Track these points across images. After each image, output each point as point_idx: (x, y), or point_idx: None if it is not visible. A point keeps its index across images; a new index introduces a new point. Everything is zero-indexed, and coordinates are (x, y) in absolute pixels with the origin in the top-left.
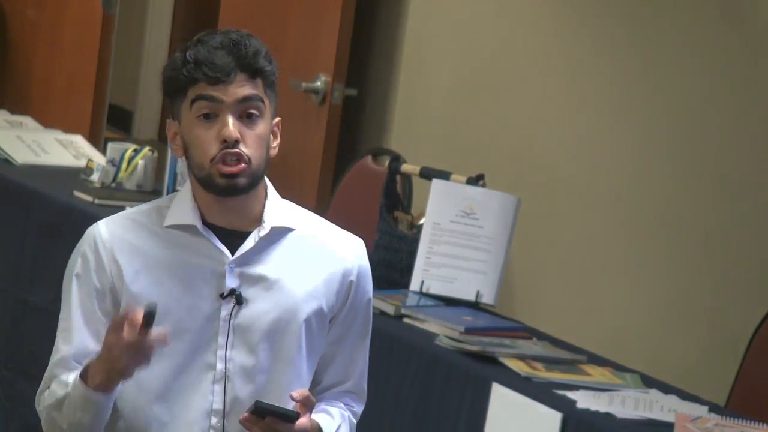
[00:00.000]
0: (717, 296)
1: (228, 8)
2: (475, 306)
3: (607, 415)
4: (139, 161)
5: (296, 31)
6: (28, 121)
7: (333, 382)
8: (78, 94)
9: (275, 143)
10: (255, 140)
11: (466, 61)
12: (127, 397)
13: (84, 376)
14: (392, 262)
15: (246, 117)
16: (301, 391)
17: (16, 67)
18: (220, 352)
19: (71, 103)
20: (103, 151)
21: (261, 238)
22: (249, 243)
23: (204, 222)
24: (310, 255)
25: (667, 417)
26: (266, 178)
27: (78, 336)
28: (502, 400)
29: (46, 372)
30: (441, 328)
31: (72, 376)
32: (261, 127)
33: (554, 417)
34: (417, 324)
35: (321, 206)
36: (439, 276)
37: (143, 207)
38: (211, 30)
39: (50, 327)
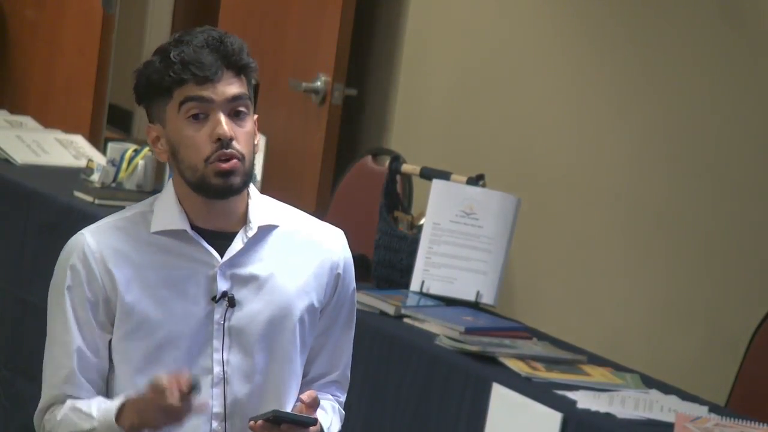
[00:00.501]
0: (717, 296)
1: (228, 8)
2: (475, 306)
3: (607, 415)
4: (139, 161)
5: (296, 31)
6: (28, 121)
7: (320, 373)
8: (78, 94)
9: (257, 140)
10: (245, 138)
11: (466, 61)
12: None
13: (117, 414)
14: (392, 262)
15: (235, 115)
16: (309, 392)
17: (16, 67)
18: (217, 356)
19: (71, 103)
20: (103, 151)
21: (249, 239)
22: (237, 244)
23: (191, 226)
24: (297, 250)
25: (667, 417)
26: None
27: (79, 349)
28: (502, 400)
29: (47, 388)
30: (441, 328)
31: (94, 408)
32: (249, 124)
33: (554, 417)
34: (417, 324)
35: (321, 206)
36: (439, 276)
37: (126, 213)
38: (186, 30)
39: None
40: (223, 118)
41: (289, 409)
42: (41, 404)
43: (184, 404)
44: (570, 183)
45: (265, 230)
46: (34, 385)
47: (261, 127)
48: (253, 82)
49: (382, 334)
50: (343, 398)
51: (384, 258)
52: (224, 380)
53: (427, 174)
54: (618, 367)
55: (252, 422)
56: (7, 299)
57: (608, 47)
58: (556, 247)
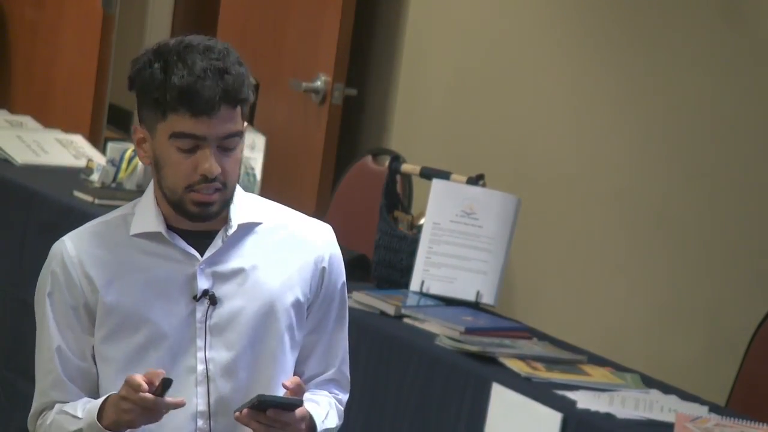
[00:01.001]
0: (717, 296)
1: (228, 8)
2: (475, 306)
3: (607, 415)
4: (139, 161)
5: (296, 31)
6: (28, 121)
7: (315, 372)
8: (78, 94)
9: (243, 143)
10: (232, 165)
11: (466, 61)
12: None
13: (99, 412)
14: (392, 262)
15: (225, 146)
16: (293, 378)
17: (16, 67)
18: (200, 354)
19: (71, 103)
20: (103, 151)
21: (228, 237)
22: (217, 243)
23: (170, 226)
24: (280, 245)
25: (667, 417)
26: None
27: (63, 354)
28: (502, 400)
29: (37, 394)
30: (441, 328)
31: (80, 409)
32: (238, 151)
33: (554, 417)
34: (417, 324)
35: (321, 206)
36: (439, 276)
37: (108, 217)
38: (188, 42)
39: None
40: (212, 154)
41: None
42: (33, 409)
43: (159, 400)
44: (570, 183)
45: (247, 228)
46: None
47: (261, 127)
48: (253, 82)
49: (382, 334)
50: (342, 396)
51: (384, 258)
52: (207, 378)
53: (427, 174)
54: (618, 367)
55: (237, 413)
56: (7, 299)
57: (608, 47)
58: (556, 247)
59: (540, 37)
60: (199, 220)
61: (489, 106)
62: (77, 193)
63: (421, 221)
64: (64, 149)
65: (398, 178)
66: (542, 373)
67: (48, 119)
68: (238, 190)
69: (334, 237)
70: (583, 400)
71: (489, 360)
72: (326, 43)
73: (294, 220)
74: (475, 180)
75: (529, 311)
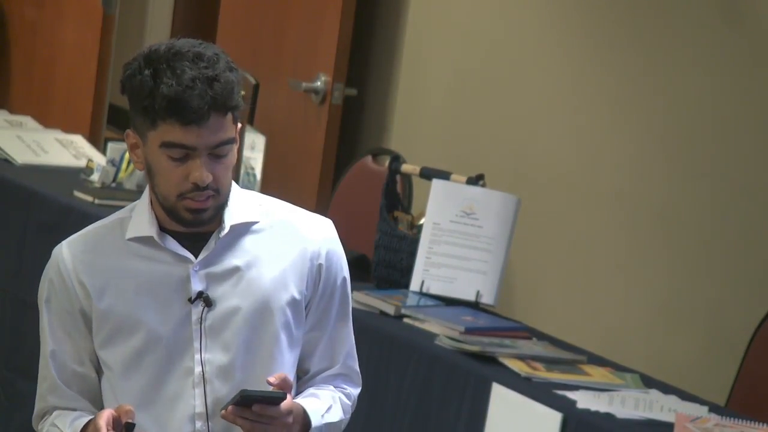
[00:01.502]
0: (717, 296)
1: (228, 8)
2: (475, 306)
3: (607, 415)
4: None
5: (296, 31)
6: (28, 121)
7: (320, 369)
8: (78, 94)
9: (236, 147)
10: (224, 171)
11: (466, 61)
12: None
13: None
14: (392, 262)
15: (216, 154)
16: (278, 374)
17: (16, 67)
18: (197, 356)
19: (71, 103)
20: (103, 151)
21: (221, 238)
22: (210, 244)
23: (165, 229)
24: (275, 244)
25: (667, 417)
26: None
27: (58, 359)
28: (502, 400)
29: (37, 397)
30: (441, 328)
31: (68, 427)
32: (230, 156)
33: (554, 417)
34: (417, 324)
35: (321, 206)
36: (439, 276)
37: (107, 221)
38: (178, 49)
39: None
40: (203, 163)
41: None
42: (35, 412)
43: None
44: (570, 183)
45: (242, 227)
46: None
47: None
48: (252, 82)
49: (382, 334)
50: (351, 390)
51: (384, 258)
52: (204, 380)
53: (427, 174)
54: (618, 367)
55: (223, 411)
56: (7, 299)
57: (608, 47)
58: (556, 247)
59: (540, 37)
60: (193, 225)
61: (489, 106)
62: (77, 193)
63: (421, 221)
64: (64, 149)
65: (398, 178)
66: (542, 373)
67: (48, 119)
68: (235, 189)
69: (335, 232)
70: (583, 400)
71: (489, 360)
72: (326, 43)
73: (293, 217)
74: (475, 180)
75: (529, 311)
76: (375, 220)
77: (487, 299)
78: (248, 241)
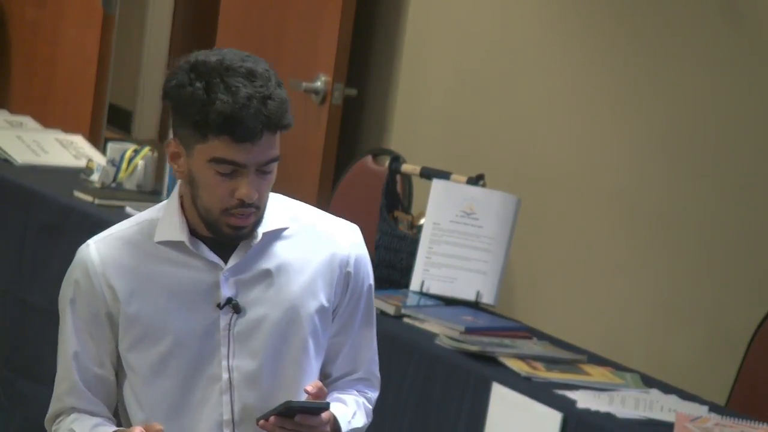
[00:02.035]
0: (717, 296)
1: (228, 8)
2: (475, 306)
3: (607, 415)
4: (139, 161)
5: (296, 31)
6: (28, 121)
7: (343, 373)
8: (78, 94)
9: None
10: (267, 187)
11: (466, 61)
12: (137, 419)
13: None
14: (392, 262)
15: (262, 171)
16: (314, 383)
17: (16, 67)
18: (224, 363)
19: (71, 103)
20: (103, 151)
21: (252, 246)
22: (241, 251)
23: (195, 234)
24: (305, 251)
25: (667, 417)
26: None
27: (81, 361)
28: (502, 400)
29: (54, 398)
30: (441, 328)
31: (88, 431)
32: (274, 173)
33: (554, 417)
34: (417, 324)
35: (321, 206)
36: (439, 276)
37: (134, 222)
38: (230, 63)
39: (50, 327)
40: (250, 180)
41: None
42: (49, 412)
43: None
44: (570, 183)
45: (272, 234)
46: (34, 385)
47: None
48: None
49: (382, 334)
50: (371, 394)
51: (384, 258)
52: (231, 387)
53: (427, 174)
54: (618, 367)
55: (262, 421)
56: (7, 299)
57: (608, 47)
58: (556, 247)
59: (540, 37)
60: (231, 240)
61: (489, 106)
62: (77, 193)
63: (421, 221)
64: (64, 149)
65: (398, 178)
66: (542, 373)
67: (48, 119)
68: None
69: (361, 238)
70: (583, 400)
71: (489, 360)
72: (326, 43)
73: (319, 222)
74: (475, 180)
75: (529, 311)
76: (375, 220)
77: (487, 299)
78: (278, 247)
